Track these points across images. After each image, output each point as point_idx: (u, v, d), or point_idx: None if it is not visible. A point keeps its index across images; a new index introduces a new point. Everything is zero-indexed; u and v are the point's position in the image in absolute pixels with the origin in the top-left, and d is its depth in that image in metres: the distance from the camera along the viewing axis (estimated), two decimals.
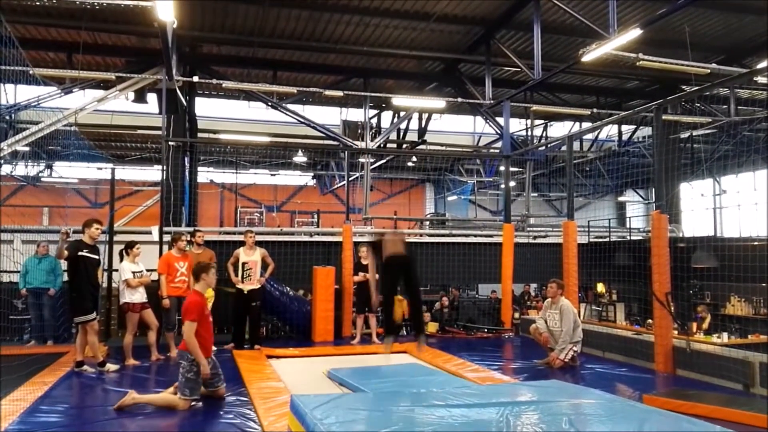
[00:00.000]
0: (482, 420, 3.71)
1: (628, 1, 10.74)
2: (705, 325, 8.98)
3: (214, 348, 7.98)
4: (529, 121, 16.67)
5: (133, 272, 7.23)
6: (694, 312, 9.15)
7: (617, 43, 8.90)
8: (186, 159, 13.08)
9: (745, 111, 14.79)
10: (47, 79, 10.89)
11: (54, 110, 11.03)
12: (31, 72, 8.36)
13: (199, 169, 15.90)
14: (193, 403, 5.14)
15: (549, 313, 7.37)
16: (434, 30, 11.97)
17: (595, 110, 15.22)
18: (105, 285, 8.43)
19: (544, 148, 17.15)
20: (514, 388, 5.10)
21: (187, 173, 13.10)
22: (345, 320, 9.55)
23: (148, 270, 7.57)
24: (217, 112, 17.69)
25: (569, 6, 9.98)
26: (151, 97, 12.63)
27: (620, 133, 17.42)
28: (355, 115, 15.97)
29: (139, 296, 7.22)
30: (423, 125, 16.52)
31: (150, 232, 9.84)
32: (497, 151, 17.98)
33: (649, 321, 8.34)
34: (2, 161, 10.11)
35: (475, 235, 13.29)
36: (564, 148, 12.54)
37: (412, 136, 17.08)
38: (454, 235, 12.87)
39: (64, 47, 12.11)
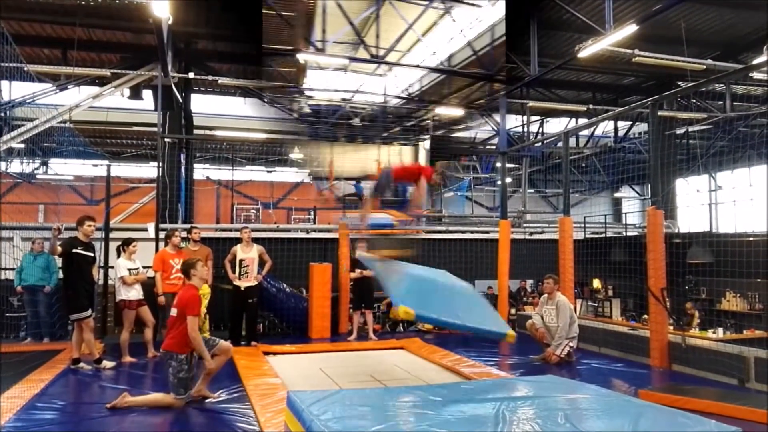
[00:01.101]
0: (479, 415, 3.72)
1: None
2: (695, 323, 8.99)
3: None
4: (525, 118, 16.66)
5: (129, 269, 7.22)
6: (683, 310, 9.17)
7: (613, 39, 8.91)
8: (182, 156, 13.05)
9: (740, 107, 14.81)
10: (42, 75, 10.83)
11: (49, 107, 10.98)
12: (25, 69, 8.32)
13: (195, 165, 15.82)
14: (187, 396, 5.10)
15: (545, 309, 7.40)
16: None
17: (591, 106, 15.22)
18: (101, 282, 8.41)
19: (540, 144, 17.18)
20: (511, 384, 5.12)
21: (183, 170, 13.08)
22: (341, 317, 9.57)
23: (144, 267, 7.56)
24: (212, 108, 17.60)
25: (565, 2, 9.97)
26: (147, 94, 12.56)
27: (616, 129, 17.44)
28: None
29: (136, 293, 7.21)
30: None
31: (146, 229, 9.82)
32: (494, 147, 17.99)
33: (645, 316, 8.37)
34: None
35: (472, 232, 13.30)
36: (560, 144, 12.57)
37: None
38: (450, 232, 12.89)
39: (59, 44, 12.02)
